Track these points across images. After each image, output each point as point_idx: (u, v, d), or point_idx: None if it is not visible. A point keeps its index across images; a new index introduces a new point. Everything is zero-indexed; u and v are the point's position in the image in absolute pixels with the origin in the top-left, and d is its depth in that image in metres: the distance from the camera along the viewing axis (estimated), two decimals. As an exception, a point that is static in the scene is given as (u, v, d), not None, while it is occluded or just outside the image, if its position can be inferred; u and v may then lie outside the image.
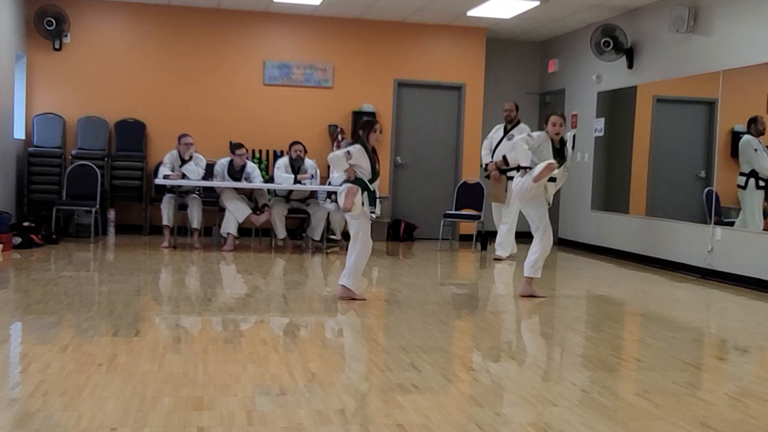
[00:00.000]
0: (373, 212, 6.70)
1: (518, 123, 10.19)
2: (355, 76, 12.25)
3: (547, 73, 13.27)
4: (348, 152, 6.62)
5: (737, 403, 4.19)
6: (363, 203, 6.58)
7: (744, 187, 8.86)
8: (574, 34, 12.40)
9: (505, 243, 10.24)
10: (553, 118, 7.22)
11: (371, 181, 6.68)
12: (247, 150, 10.64)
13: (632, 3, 10.53)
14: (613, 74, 11.25)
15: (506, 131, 10.15)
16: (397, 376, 4.49)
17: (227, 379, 4.22)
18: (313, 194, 10.71)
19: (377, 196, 6.83)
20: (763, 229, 8.51)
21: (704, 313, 7.61)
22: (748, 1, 8.76)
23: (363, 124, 6.80)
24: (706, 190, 9.51)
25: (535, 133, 7.29)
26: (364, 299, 6.71)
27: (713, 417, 3.88)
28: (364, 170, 6.66)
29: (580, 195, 11.88)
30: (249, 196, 10.59)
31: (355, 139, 6.84)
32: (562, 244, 12.38)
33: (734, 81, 9.04)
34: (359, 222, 6.63)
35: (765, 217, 8.62)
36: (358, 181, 6.64)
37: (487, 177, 10.21)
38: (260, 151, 11.86)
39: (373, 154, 6.73)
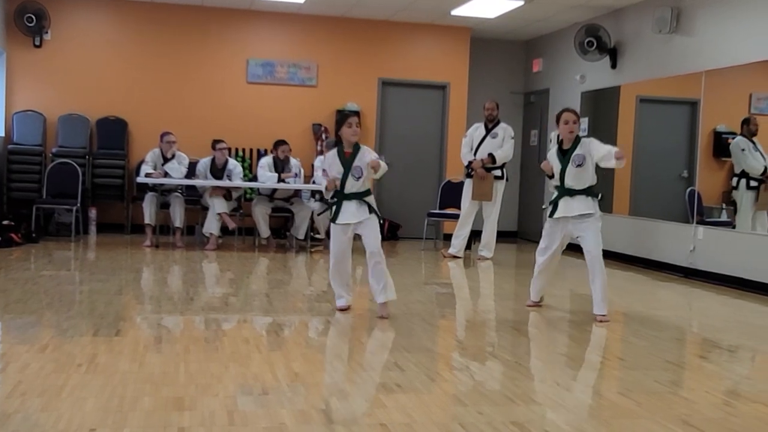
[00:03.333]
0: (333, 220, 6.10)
1: (499, 122, 10.18)
2: (339, 75, 12.22)
3: (532, 72, 13.29)
4: (324, 171, 6.14)
5: (719, 401, 4.19)
6: (331, 216, 6.12)
7: (736, 188, 8.91)
8: (558, 34, 12.42)
9: (490, 243, 10.24)
10: (565, 115, 6.37)
11: (342, 183, 6.02)
12: (228, 146, 10.59)
13: (616, 3, 10.56)
14: (597, 74, 11.27)
15: (488, 130, 10.13)
16: (381, 375, 4.47)
17: (209, 378, 4.18)
18: (296, 193, 10.67)
19: (363, 199, 6.09)
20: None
21: (686, 312, 7.64)
22: (729, 3, 8.80)
23: (337, 121, 6.22)
24: (689, 189, 9.55)
25: (549, 154, 6.60)
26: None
27: (695, 415, 3.88)
28: (337, 177, 6.05)
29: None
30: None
31: (336, 140, 6.25)
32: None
33: (716, 81, 9.08)
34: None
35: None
36: (336, 193, 6.07)
37: (469, 176, 10.15)
38: (243, 150, 11.82)
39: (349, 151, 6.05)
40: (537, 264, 6.71)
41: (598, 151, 6.28)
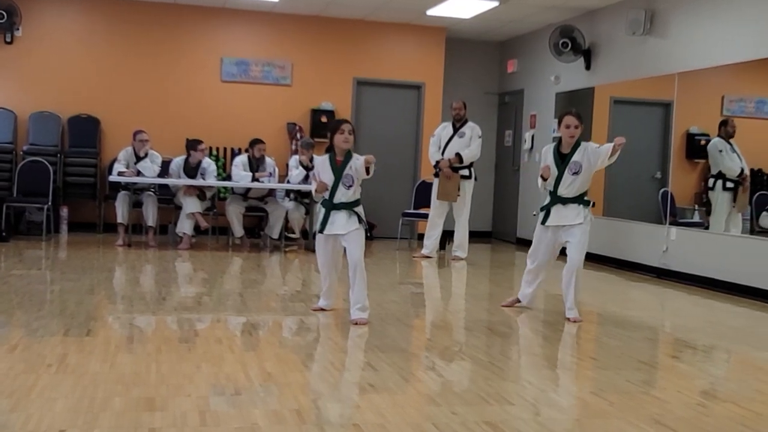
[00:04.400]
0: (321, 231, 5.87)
1: (466, 121, 10.18)
2: (313, 74, 12.18)
3: (506, 73, 13.32)
4: (313, 174, 5.98)
5: (691, 401, 4.22)
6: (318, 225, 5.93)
7: (712, 189, 8.97)
8: (532, 35, 12.46)
9: (464, 243, 10.24)
10: (567, 119, 6.15)
11: (332, 192, 5.81)
12: (206, 146, 10.54)
13: (590, 5, 10.61)
14: (571, 75, 11.32)
15: (455, 129, 10.13)
16: (354, 375, 4.46)
17: (181, 379, 4.15)
18: (271, 192, 10.63)
19: (352, 210, 5.84)
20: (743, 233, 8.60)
21: (659, 312, 7.69)
22: (702, 5, 8.87)
23: (329, 127, 6.01)
24: (662, 190, 9.61)
25: (544, 148, 6.43)
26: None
27: (667, 415, 3.90)
28: (329, 186, 5.83)
29: (537, 195, 11.92)
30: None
31: (327, 146, 5.98)
32: (520, 243, 12.44)
33: (689, 83, 9.15)
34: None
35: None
36: (324, 202, 5.89)
37: (437, 175, 10.15)
38: (217, 149, 11.75)
39: (340, 159, 5.80)
40: (526, 268, 6.62)
41: (598, 157, 6.15)
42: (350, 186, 5.82)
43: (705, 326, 6.66)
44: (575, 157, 6.18)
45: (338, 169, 5.81)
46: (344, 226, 5.81)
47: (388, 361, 4.74)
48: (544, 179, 6.31)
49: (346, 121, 5.91)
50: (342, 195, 5.83)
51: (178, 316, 5.98)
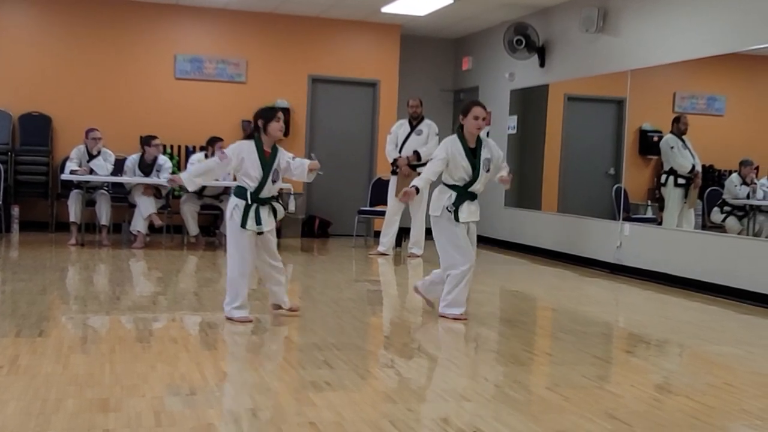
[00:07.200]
0: (260, 230, 5.57)
1: (423, 119, 10.20)
2: (268, 72, 12.12)
3: (461, 70, 13.38)
4: (222, 151, 5.55)
5: (644, 395, 4.28)
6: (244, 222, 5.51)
7: (664, 185, 9.10)
8: (487, 32, 12.53)
9: (420, 240, 10.25)
10: (476, 110, 5.87)
11: (260, 186, 5.54)
12: (161, 143, 10.43)
13: (544, 2, 10.69)
14: (526, 72, 11.40)
15: (412, 127, 10.14)
16: (311, 373, 4.44)
17: (135, 379, 4.10)
18: (226, 190, 10.54)
19: (280, 205, 5.78)
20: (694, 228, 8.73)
21: (613, 307, 7.78)
22: (654, 4, 8.99)
23: (262, 112, 5.59)
24: (615, 186, 9.73)
25: (445, 141, 6.04)
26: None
27: (621, 409, 3.95)
28: (251, 176, 5.51)
29: (493, 192, 11.97)
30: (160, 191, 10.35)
31: (252, 131, 5.60)
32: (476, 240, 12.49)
33: (642, 80, 9.27)
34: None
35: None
36: (238, 190, 5.56)
37: (395, 173, 10.14)
38: (171, 147, 11.63)
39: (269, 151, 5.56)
40: (463, 270, 6.09)
41: (499, 158, 6.04)
42: (276, 181, 5.62)
43: (658, 321, 6.76)
44: (484, 154, 5.96)
45: (268, 162, 5.55)
46: (268, 222, 5.63)
47: (345, 359, 4.74)
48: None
49: (281, 109, 5.67)
50: (270, 190, 5.60)
51: (133, 315, 5.92)
